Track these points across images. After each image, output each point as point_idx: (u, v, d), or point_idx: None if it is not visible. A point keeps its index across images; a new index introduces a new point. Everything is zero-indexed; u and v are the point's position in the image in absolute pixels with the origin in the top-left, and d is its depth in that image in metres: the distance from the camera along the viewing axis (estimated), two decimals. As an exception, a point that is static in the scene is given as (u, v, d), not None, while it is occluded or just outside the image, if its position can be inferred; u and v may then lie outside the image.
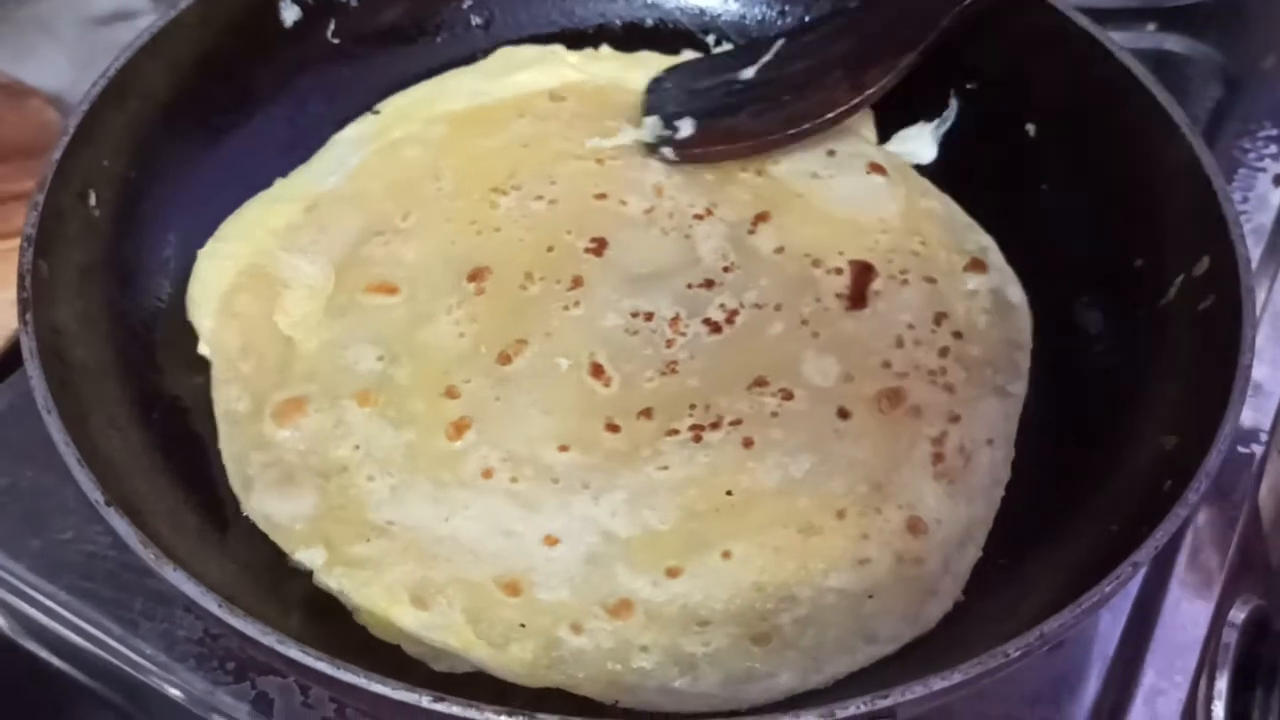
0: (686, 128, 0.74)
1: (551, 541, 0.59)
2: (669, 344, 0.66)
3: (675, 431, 0.62)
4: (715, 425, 0.62)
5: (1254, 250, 0.82)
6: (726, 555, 0.58)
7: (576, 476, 0.61)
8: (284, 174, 0.73)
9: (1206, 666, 0.64)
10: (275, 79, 0.74)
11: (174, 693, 0.62)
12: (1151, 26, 0.96)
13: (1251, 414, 0.73)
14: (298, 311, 0.67)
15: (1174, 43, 0.95)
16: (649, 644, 0.56)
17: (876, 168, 0.74)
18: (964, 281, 0.69)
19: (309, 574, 0.58)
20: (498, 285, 0.68)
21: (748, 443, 0.61)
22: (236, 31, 0.72)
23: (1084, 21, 0.70)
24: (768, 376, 0.64)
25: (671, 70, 0.78)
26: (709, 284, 0.68)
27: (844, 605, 0.57)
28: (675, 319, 0.67)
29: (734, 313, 0.67)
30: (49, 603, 0.64)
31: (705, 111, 0.75)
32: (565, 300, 0.67)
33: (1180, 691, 0.62)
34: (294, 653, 0.46)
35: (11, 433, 0.69)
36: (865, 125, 0.77)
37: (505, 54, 0.80)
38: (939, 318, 0.67)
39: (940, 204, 0.73)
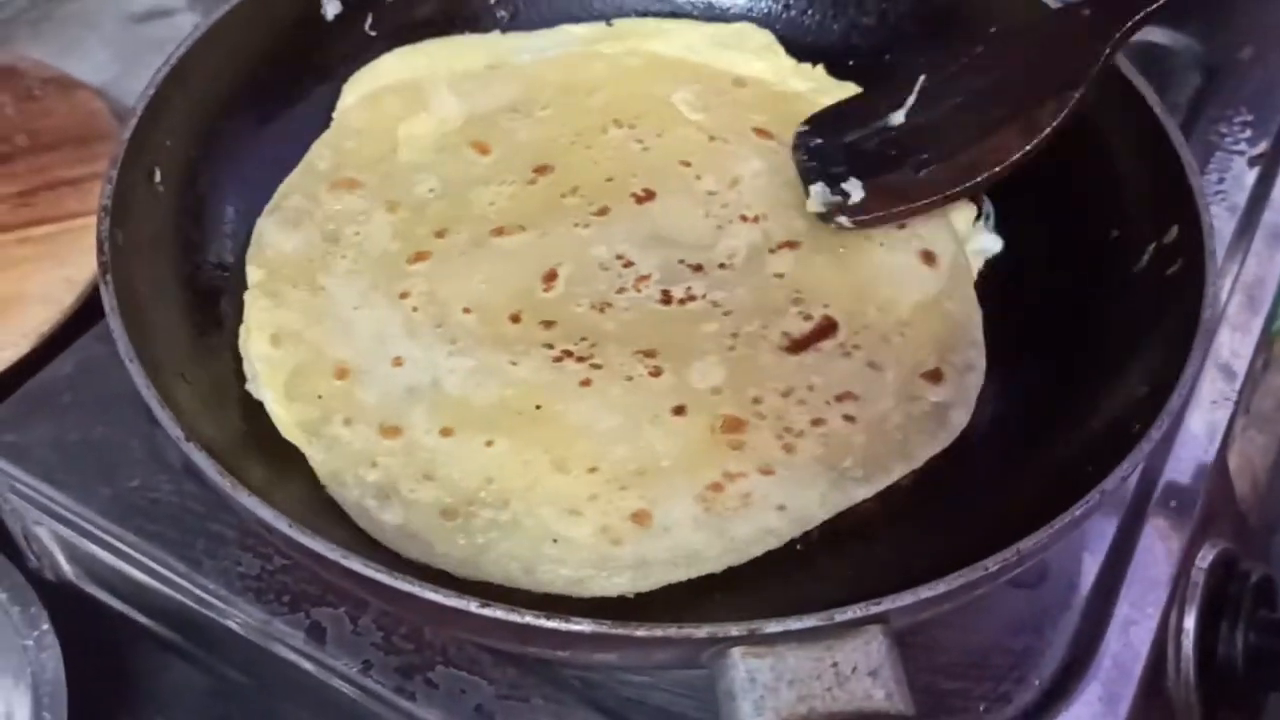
0: (856, 191, 0.73)
1: (398, 362, 0.68)
2: (620, 290, 0.71)
3: (550, 346, 0.68)
4: (579, 359, 0.67)
5: (1229, 226, 0.87)
6: (489, 444, 0.64)
7: (456, 333, 0.69)
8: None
9: (1177, 602, 0.70)
10: (319, 68, 0.80)
11: (234, 625, 0.68)
12: (1135, 19, 1.01)
13: (1223, 377, 0.79)
14: (418, 130, 0.78)
15: (1157, 34, 1.00)
16: (379, 462, 0.64)
17: (927, 256, 0.74)
18: (910, 384, 0.68)
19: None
20: (549, 184, 0.76)
21: (585, 383, 0.67)
22: (284, 24, 0.78)
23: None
24: (659, 352, 0.68)
25: (814, 123, 0.77)
26: (697, 268, 0.72)
27: (530, 536, 0.61)
28: (645, 277, 0.72)
29: (690, 298, 0.71)
30: (119, 545, 0.70)
31: (869, 169, 0.74)
32: (583, 219, 0.74)
33: (1152, 623, 0.67)
34: (356, 565, 0.51)
35: (80, 393, 0.75)
36: (961, 211, 0.76)
37: (741, 30, 0.85)
38: (844, 396, 0.67)
39: (963, 313, 0.72)
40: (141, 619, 0.75)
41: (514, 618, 0.50)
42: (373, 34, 0.82)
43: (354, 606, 0.66)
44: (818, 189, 0.74)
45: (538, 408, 0.66)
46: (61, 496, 0.71)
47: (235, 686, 0.74)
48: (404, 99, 0.80)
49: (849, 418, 0.66)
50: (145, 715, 0.73)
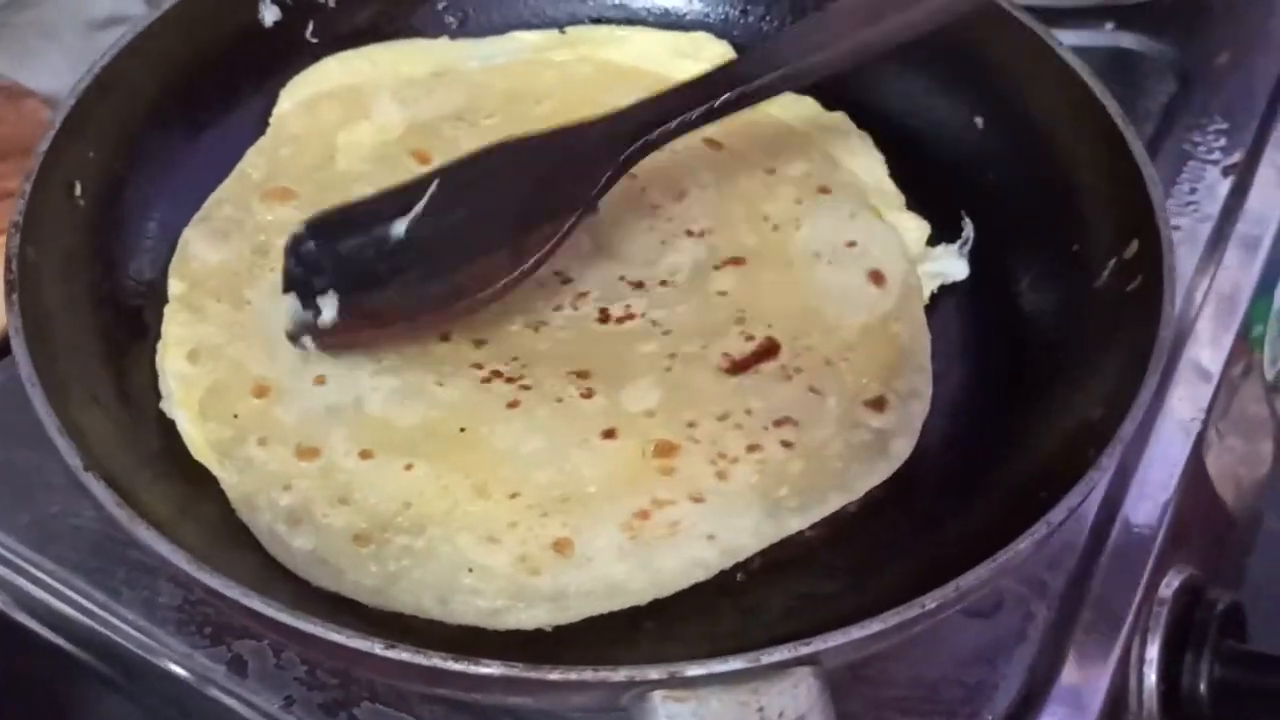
0: (329, 309, 0.65)
1: (320, 380, 0.65)
2: (556, 308, 0.68)
3: (479, 366, 0.65)
4: (509, 380, 0.65)
5: (1201, 237, 0.85)
6: (409, 468, 0.62)
7: (382, 353, 0.66)
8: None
9: (1139, 631, 0.67)
10: (256, 76, 0.77)
11: (155, 659, 0.65)
12: (1109, 25, 0.99)
13: (1191, 394, 0.77)
14: (358, 138, 0.76)
15: (1131, 40, 0.98)
16: (293, 485, 0.61)
17: (876, 276, 0.71)
18: (852, 411, 0.65)
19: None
20: None
21: (513, 404, 0.64)
22: (218, 31, 0.75)
23: (1026, 19, 0.73)
24: (592, 373, 0.65)
25: (315, 224, 0.68)
26: (638, 285, 0.70)
27: (446, 564, 0.59)
28: (584, 295, 0.69)
29: (629, 317, 0.68)
30: (38, 573, 0.67)
31: (350, 285, 0.66)
32: None
33: (1112, 655, 0.65)
34: (256, 604, 0.49)
35: (3, 415, 0.73)
36: (914, 230, 0.74)
37: (697, 39, 0.82)
38: (782, 421, 0.64)
39: (911, 336, 0.69)
40: (71, 649, 0.72)
41: (419, 660, 0.47)
42: (313, 40, 0.79)
43: (266, 626, 0.63)
44: (289, 300, 0.66)
45: (462, 430, 0.63)
46: (-21, 522, 0.69)
47: None
48: (344, 105, 0.78)
49: (787, 444, 0.63)
50: (76, 746, 0.71)
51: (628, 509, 0.60)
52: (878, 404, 0.65)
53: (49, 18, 1.10)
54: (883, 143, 0.78)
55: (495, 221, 0.66)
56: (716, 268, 0.71)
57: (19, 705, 0.77)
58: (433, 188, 0.66)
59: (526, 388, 0.65)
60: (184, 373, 0.65)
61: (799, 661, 0.48)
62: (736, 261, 0.71)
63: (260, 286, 0.69)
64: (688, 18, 0.85)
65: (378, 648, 0.47)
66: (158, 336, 0.67)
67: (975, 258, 0.73)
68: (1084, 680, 0.64)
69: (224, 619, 0.64)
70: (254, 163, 0.75)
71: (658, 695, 0.47)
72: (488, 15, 0.84)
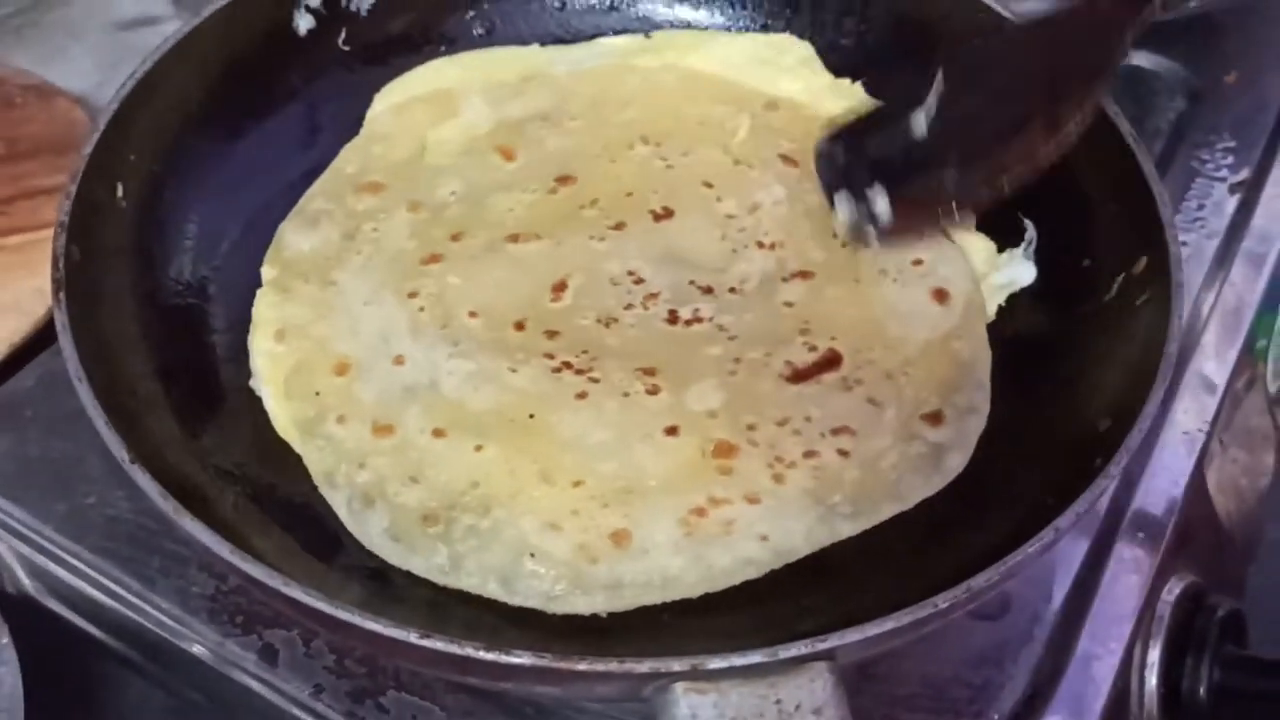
0: (881, 202, 0.66)
1: (399, 361, 0.68)
2: (627, 307, 0.71)
3: (551, 356, 0.68)
4: (578, 371, 0.67)
5: (1208, 253, 0.87)
6: (479, 449, 0.64)
7: (459, 336, 0.69)
8: (298, 172, 0.78)
9: (1141, 635, 0.69)
10: (290, 83, 0.79)
11: (186, 645, 0.67)
12: (1122, 43, 1.00)
13: (1197, 405, 0.78)
14: (446, 135, 0.79)
15: (1142, 58, 1.00)
16: (368, 463, 0.64)
17: (940, 294, 0.72)
18: (910, 424, 0.67)
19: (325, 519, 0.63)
20: (569, 195, 0.76)
21: (582, 395, 0.66)
22: (254, 38, 0.77)
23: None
24: (659, 370, 0.67)
25: (835, 135, 0.70)
26: (708, 290, 0.72)
27: (510, 546, 0.61)
28: (654, 295, 0.71)
29: (697, 320, 0.70)
30: (74, 561, 0.69)
31: (894, 179, 0.66)
32: (600, 232, 0.74)
33: (1115, 657, 0.67)
34: (296, 593, 0.51)
35: (40, 408, 0.75)
36: (982, 250, 0.75)
37: (779, 42, 0.84)
38: (840, 430, 0.66)
39: (972, 353, 0.70)
40: (101, 635, 0.74)
41: (451, 649, 0.49)
42: (345, 49, 0.81)
43: (307, 629, 0.65)
44: (843, 199, 0.66)
45: (531, 416, 0.65)
46: (18, 511, 0.71)
47: (195, 706, 0.73)
48: (434, 106, 0.81)
49: (843, 452, 0.65)
50: (105, 731, 0.73)
51: (685, 505, 0.62)
52: (935, 418, 0.67)
53: (76, 17, 1.12)
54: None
55: (1017, 99, 0.66)
56: (785, 279, 0.72)
57: (49, 690, 0.78)
58: (938, 81, 0.66)
59: (595, 380, 0.67)
60: (271, 351, 0.68)
61: (816, 656, 0.50)
62: (804, 275, 0.73)
63: (348, 267, 0.72)
64: (710, 28, 0.86)
65: (413, 636, 0.50)
66: (200, 336, 0.69)
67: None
68: (1087, 682, 0.66)
69: (255, 608, 0.66)
70: (347, 159, 0.78)
71: (680, 687, 0.49)
72: (514, 25, 0.86)
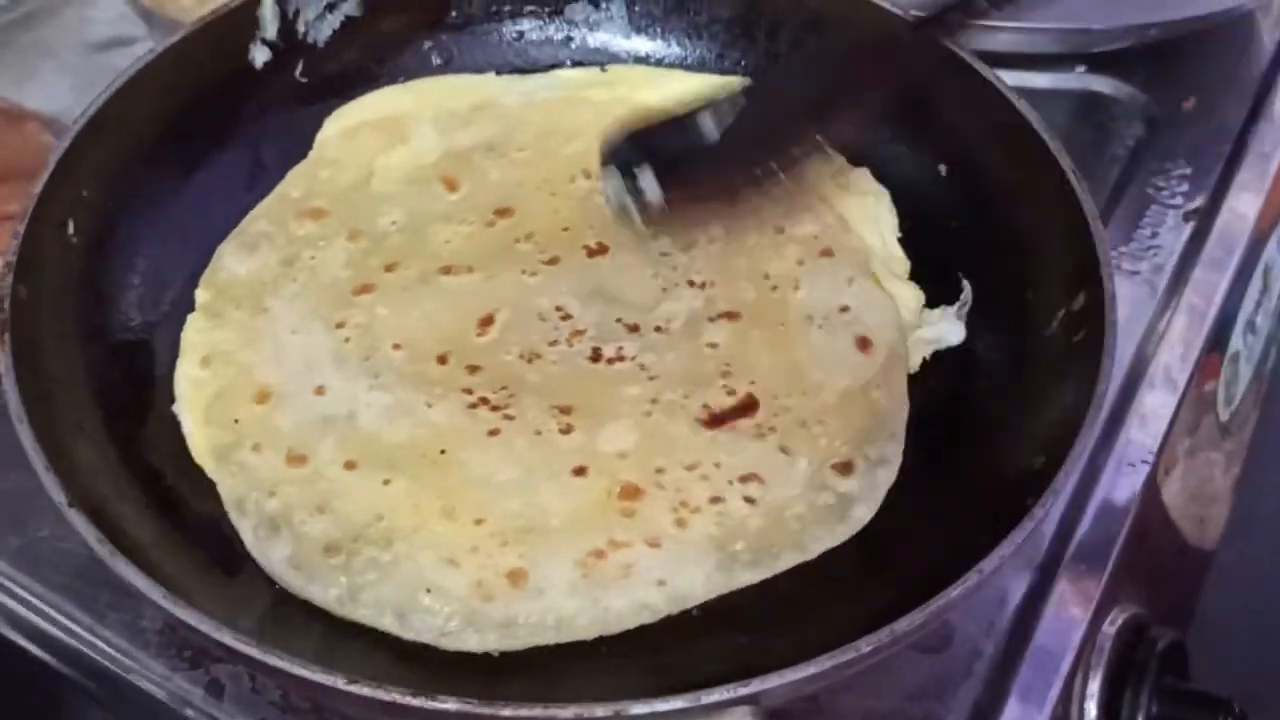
0: (648, 179, 0.71)
1: (320, 391, 0.69)
2: (553, 343, 0.71)
3: (469, 392, 0.69)
4: (494, 408, 0.68)
5: (1160, 282, 0.87)
6: (387, 482, 0.65)
7: (381, 368, 0.70)
8: (251, 204, 0.79)
9: (1081, 667, 0.69)
10: (246, 116, 0.80)
11: (135, 679, 0.68)
12: (1081, 69, 1.01)
13: (1144, 435, 0.79)
14: (394, 162, 0.80)
15: (1101, 84, 1.01)
16: (278, 491, 0.65)
17: (863, 343, 0.72)
18: (820, 473, 0.66)
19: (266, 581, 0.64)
20: (507, 227, 0.77)
21: (494, 432, 0.67)
22: (210, 72, 0.78)
23: (980, 66, 0.76)
24: (575, 409, 0.68)
25: (631, 132, 0.75)
26: (634, 329, 0.72)
27: (407, 581, 0.62)
28: (580, 332, 0.72)
29: (620, 359, 0.71)
30: (27, 595, 0.70)
31: (667, 163, 0.72)
32: (532, 266, 0.75)
33: (1054, 690, 0.67)
34: (227, 639, 0.51)
35: (-3, 440, 0.76)
36: (911, 299, 0.75)
37: (728, 84, 0.84)
38: (749, 477, 0.66)
39: (890, 403, 0.70)
40: (60, 667, 0.75)
41: (379, 695, 0.50)
42: (303, 80, 0.82)
43: (241, 661, 0.66)
44: (610, 174, 0.72)
45: (442, 452, 0.66)
46: (-29, 546, 0.71)
47: (152, 738, 0.74)
48: (384, 132, 0.82)
49: (750, 500, 0.65)
50: (65, 759, 0.74)
51: (585, 546, 0.63)
52: (846, 468, 0.67)
53: (51, 38, 1.12)
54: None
55: (800, 113, 0.72)
56: (711, 319, 0.73)
57: (9, 714, 0.79)
58: (741, 105, 0.72)
59: (510, 417, 0.68)
60: (195, 377, 0.69)
61: (739, 701, 0.51)
62: (731, 316, 0.73)
63: (282, 294, 0.73)
64: (666, 60, 0.88)
65: (340, 682, 0.50)
66: (146, 371, 0.70)
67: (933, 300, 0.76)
68: (1029, 714, 0.66)
69: (202, 644, 0.67)
70: (293, 183, 0.79)
71: (604, 731, 0.50)
72: (472, 55, 0.87)
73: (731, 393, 0.69)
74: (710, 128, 0.72)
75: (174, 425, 0.69)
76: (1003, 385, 0.70)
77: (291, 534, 0.63)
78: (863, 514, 0.66)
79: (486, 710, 0.50)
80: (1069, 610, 0.70)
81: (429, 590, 0.61)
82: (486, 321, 0.72)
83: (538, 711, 0.50)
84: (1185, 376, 0.83)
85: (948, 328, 0.73)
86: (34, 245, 0.66)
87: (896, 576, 0.62)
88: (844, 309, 0.73)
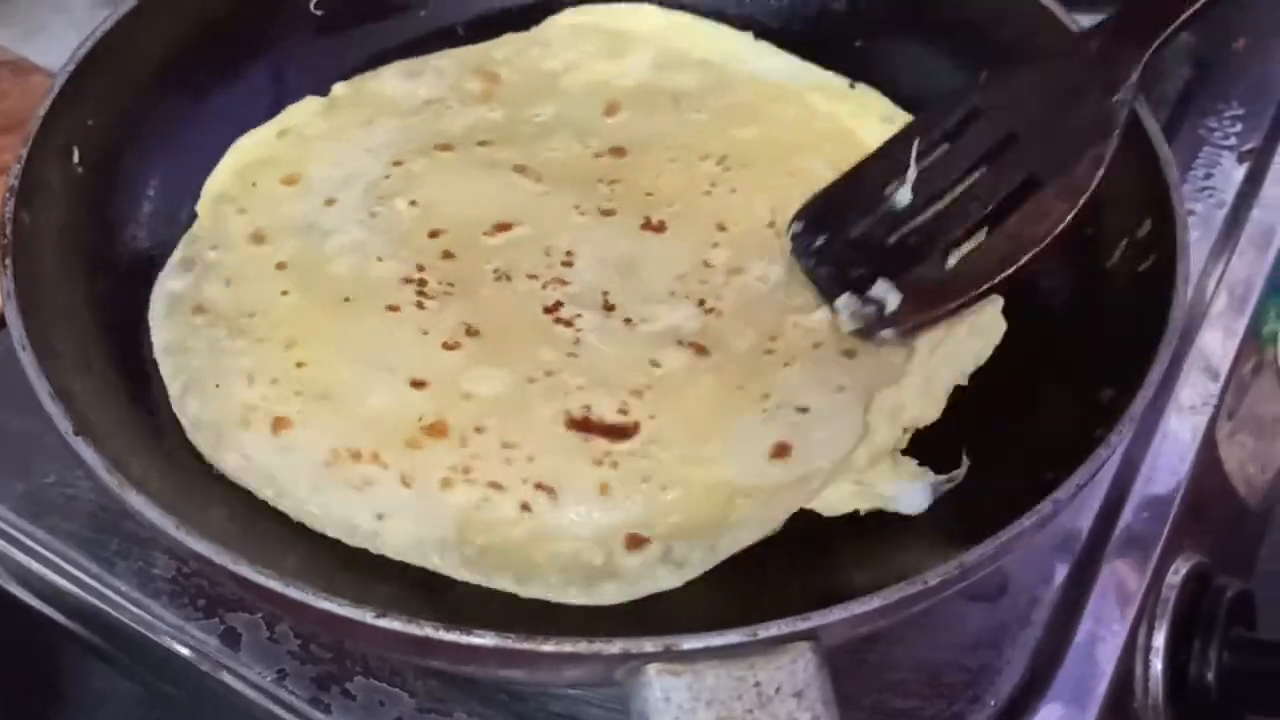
0: (890, 296, 0.63)
1: (329, 202, 0.71)
2: (530, 277, 0.67)
3: (421, 269, 0.67)
4: (419, 293, 0.66)
5: (1215, 223, 0.84)
6: (285, 294, 0.66)
7: (383, 212, 0.70)
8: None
9: (1146, 618, 0.66)
10: (258, 45, 0.76)
11: (147, 630, 0.65)
12: (1126, 8, 0.97)
13: (1200, 382, 0.75)
14: (592, 70, 0.78)
15: (1146, 25, 0.97)
16: (220, 250, 0.68)
17: (781, 449, 0.61)
18: (605, 540, 0.58)
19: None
20: (603, 166, 0.73)
21: (393, 309, 0.65)
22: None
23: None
24: (480, 336, 0.64)
25: (808, 217, 0.68)
26: (609, 308, 0.66)
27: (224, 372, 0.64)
28: (563, 282, 0.67)
29: (569, 324, 0.65)
30: (31, 543, 0.67)
31: (894, 266, 0.64)
32: (590, 207, 0.71)
33: (1118, 639, 0.64)
34: (245, 571, 0.48)
35: (-1, 384, 0.72)
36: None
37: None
38: (544, 488, 0.59)
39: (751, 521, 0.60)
40: (64, 621, 0.71)
41: (411, 630, 0.46)
42: (318, 12, 0.78)
43: (270, 612, 0.62)
44: (845, 302, 0.63)
45: (346, 299, 0.66)
46: (-28, 492, 0.68)
47: (161, 694, 0.70)
48: (609, 42, 0.79)
49: (524, 506, 0.59)
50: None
51: (354, 443, 0.60)
52: (636, 541, 0.58)
53: (59, -9, 1.09)
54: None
55: (1012, 161, 0.62)
56: (680, 343, 0.65)
57: (9, 678, 0.76)
58: (915, 145, 0.64)
59: (421, 308, 0.65)
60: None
61: (797, 636, 0.47)
62: (700, 350, 0.65)
63: (393, 117, 0.75)
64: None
65: (369, 616, 0.47)
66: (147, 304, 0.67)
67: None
68: (1089, 666, 0.63)
69: (218, 591, 0.64)
70: (501, 45, 0.79)
71: (653, 669, 0.46)
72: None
73: (624, 413, 0.62)
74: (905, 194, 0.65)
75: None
76: (1064, 320, 0.66)
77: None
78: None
79: (526, 646, 0.46)
80: (1131, 559, 0.67)
81: (218, 385, 0.62)
82: (502, 228, 0.69)
83: (581, 647, 0.46)
84: (1243, 322, 0.79)
85: (911, 497, 0.60)
86: (38, 172, 0.63)
87: (956, 514, 0.59)
88: (801, 409, 0.62)
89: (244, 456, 0.60)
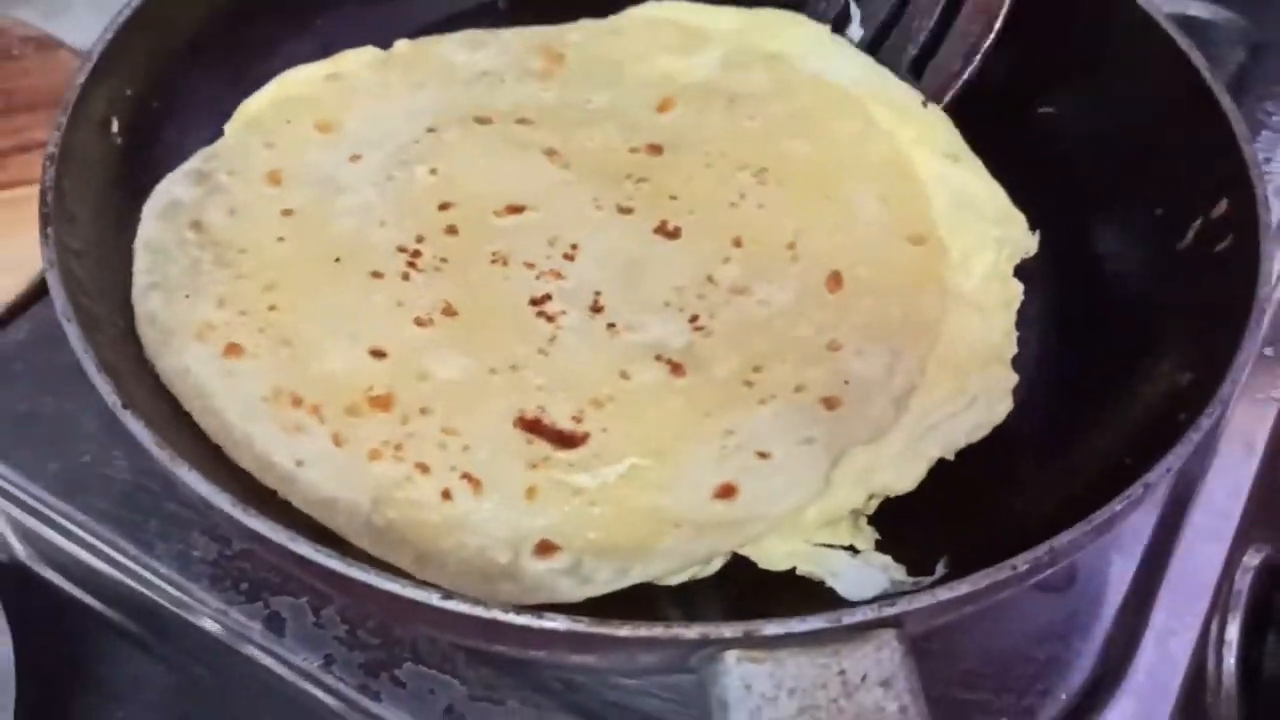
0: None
1: (354, 159, 0.70)
2: (527, 265, 0.66)
3: (420, 240, 0.66)
4: (409, 264, 0.65)
5: (1275, 210, 0.81)
6: (280, 240, 0.66)
7: (399, 177, 0.69)
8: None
9: (1218, 611, 0.64)
10: (297, 17, 0.74)
11: (187, 614, 0.63)
12: (1180, -6, 0.96)
13: (1270, 370, 0.73)
14: (660, 62, 0.77)
15: (1199, 8, 0.95)
16: (236, 173, 0.68)
17: (727, 491, 0.58)
18: (518, 550, 0.56)
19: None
20: (636, 162, 0.72)
21: (377, 275, 0.64)
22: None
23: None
24: (457, 318, 0.63)
25: None
26: (597, 310, 0.64)
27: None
28: (558, 275, 0.65)
29: (551, 319, 0.63)
30: (66, 524, 0.65)
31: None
32: (610, 202, 0.69)
33: (1191, 633, 0.62)
34: (305, 550, 0.46)
35: (32, 362, 0.70)
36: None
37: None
38: (469, 479, 0.57)
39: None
40: (98, 605, 0.70)
41: (478, 612, 0.44)
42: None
43: (316, 596, 0.61)
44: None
45: (337, 260, 0.65)
46: (7, 470, 0.66)
47: (196, 681, 0.69)
48: (683, 37, 0.78)
49: (444, 494, 0.57)
50: (101, 707, 0.69)
51: (298, 394, 0.60)
52: (547, 549, 0.56)
53: (82, -31, 1.08)
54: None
55: None
56: (659, 358, 0.62)
57: (42, 663, 0.74)
58: None
59: (406, 279, 0.65)
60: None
61: (882, 623, 0.45)
62: (677, 369, 0.62)
63: (445, 83, 0.74)
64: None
65: (435, 598, 0.45)
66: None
67: (1051, 228, 0.68)
68: (1162, 660, 0.61)
69: (261, 574, 0.62)
70: (578, 29, 0.78)
71: (732, 655, 0.44)
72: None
73: (577, 420, 0.60)
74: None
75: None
76: (1135, 306, 0.64)
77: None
78: None
79: (600, 630, 0.44)
80: (1203, 549, 0.65)
81: (188, 296, 0.62)
82: (514, 210, 0.68)
83: (658, 631, 0.44)
84: (1309, 306, 0.77)
85: (851, 574, 0.56)
86: (75, 140, 0.61)
87: (1035, 504, 0.57)
88: (762, 455, 0.59)
89: (185, 366, 0.59)
